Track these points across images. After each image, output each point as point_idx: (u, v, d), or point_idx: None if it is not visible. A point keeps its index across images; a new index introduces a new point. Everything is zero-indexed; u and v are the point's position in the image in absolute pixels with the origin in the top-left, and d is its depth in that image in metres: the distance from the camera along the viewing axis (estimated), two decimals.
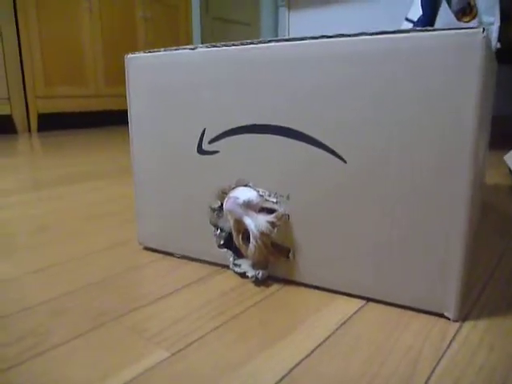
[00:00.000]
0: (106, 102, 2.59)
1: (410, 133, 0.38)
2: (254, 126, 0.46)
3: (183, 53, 0.49)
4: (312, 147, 0.43)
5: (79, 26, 2.44)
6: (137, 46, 2.74)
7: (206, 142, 0.49)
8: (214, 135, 0.48)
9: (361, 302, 0.43)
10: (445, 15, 1.26)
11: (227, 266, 0.51)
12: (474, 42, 0.35)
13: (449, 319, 0.40)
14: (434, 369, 0.33)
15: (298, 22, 1.99)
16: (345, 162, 0.42)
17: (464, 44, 0.35)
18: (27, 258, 0.56)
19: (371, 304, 0.43)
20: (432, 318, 0.40)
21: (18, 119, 2.28)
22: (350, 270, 0.44)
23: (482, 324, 0.39)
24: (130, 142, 0.56)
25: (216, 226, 0.51)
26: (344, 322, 0.39)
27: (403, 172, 0.39)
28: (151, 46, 2.80)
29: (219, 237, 0.51)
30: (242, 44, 0.45)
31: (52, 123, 2.47)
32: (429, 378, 0.32)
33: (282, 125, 0.44)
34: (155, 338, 0.37)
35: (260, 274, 0.47)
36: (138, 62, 0.52)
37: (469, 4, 1.30)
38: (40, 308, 0.43)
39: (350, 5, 1.82)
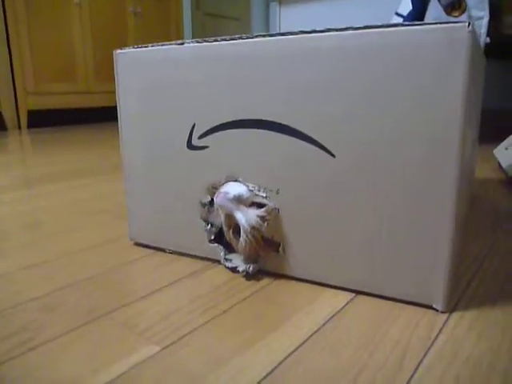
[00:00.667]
0: (96, 99, 2.57)
1: (399, 128, 0.39)
2: (243, 120, 0.46)
3: (171, 48, 0.49)
4: (301, 142, 0.43)
5: (69, 21, 2.42)
6: (127, 41, 2.72)
7: (196, 138, 0.49)
8: (203, 130, 0.49)
9: (350, 295, 0.43)
10: (434, 10, 1.27)
11: (218, 261, 0.51)
12: (459, 36, 0.35)
13: (437, 311, 0.40)
14: (422, 359, 0.33)
15: (289, 17, 1.99)
16: (333, 156, 0.42)
17: (450, 38, 0.35)
18: (19, 255, 0.56)
19: (360, 297, 0.43)
20: (421, 310, 0.41)
21: (8, 116, 2.26)
22: (340, 263, 0.44)
23: (470, 315, 0.40)
24: (119, 138, 0.56)
25: (207, 221, 0.51)
26: (334, 315, 0.40)
27: (392, 167, 0.40)
28: (142, 41, 2.78)
29: (210, 232, 0.51)
30: (231, 39, 0.45)
31: (42, 120, 2.45)
32: (417, 369, 0.32)
33: (272, 119, 0.44)
34: (146, 333, 0.37)
35: (251, 268, 0.47)
36: (127, 58, 0.52)
37: None
38: (32, 304, 0.43)
39: (341, 0, 1.82)
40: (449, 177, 0.38)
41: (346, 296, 0.43)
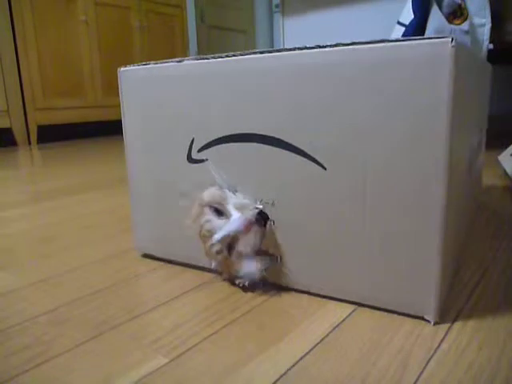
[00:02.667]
0: (104, 113, 2.61)
1: (387, 143, 0.39)
2: (240, 135, 0.47)
3: (170, 65, 0.51)
4: (294, 155, 0.44)
5: (76, 38, 2.46)
6: (134, 55, 2.76)
7: (195, 151, 0.51)
8: (202, 144, 0.50)
9: (352, 307, 0.44)
10: (436, 18, 1.28)
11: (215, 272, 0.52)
12: (442, 52, 0.36)
13: (429, 322, 0.41)
14: (424, 368, 0.34)
15: (293, 27, 2.01)
16: (325, 169, 0.43)
17: (433, 54, 0.36)
18: (29, 270, 0.57)
19: (362, 308, 0.44)
20: (422, 320, 0.41)
21: (18, 132, 2.30)
22: (335, 275, 0.45)
23: (472, 324, 0.40)
24: (125, 153, 0.57)
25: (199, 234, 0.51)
26: (336, 326, 0.41)
27: (381, 181, 0.40)
28: (148, 55, 2.82)
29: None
30: (228, 56, 0.46)
31: (51, 135, 2.48)
32: (418, 378, 0.33)
33: (267, 134, 0.45)
34: (154, 345, 0.38)
35: (246, 282, 0.48)
36: (130, 75, 0.54)
37: (459, 6, 1.32)
38: (43, 318, 0.44)
39: (343, 10, 1.84)
40: (438, 192, 0.38)
41: (348, 307, 0.44)
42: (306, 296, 0.47)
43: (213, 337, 0.40)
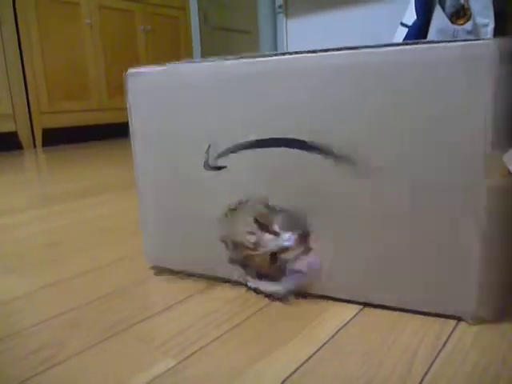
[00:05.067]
0: (109, 115, 2.62)
1: (424, 144, 0.39)
2: (264, 140, 0.45)
3: (187, 67, 0.48)
4: (331, 160, 0.43)
5: (81, 41, 2.48)
6: (138, 58, 2.77)
7: (213, 158, 0.49)
8: (220, 150, 0.48)
9: (358, 307, 0.45)
10: (439, 19, 1.28)
11: (238, 282, 0.51)
12: (484, 53, 0.36)
13: (466, 322, 0.41)
14: (429, 368, 0.35)
15: (296, 28, 2.01)
16: (360, 172, 0.42)
17: (475, 56, 0.36)
18: (37, 274, 0.58)
19: (368, 309, 0.44)
20: (427, 320, 0.42)
21: (23, 135, 2.31)
22: (379, 282, 0.44)
23: (476, 325, 0.41)
24: (133, 159, 0.56)
25: (225, 242, 0.50)
26: (343, 326, 0.41)
27: (424, 184, 0.40)
28: (152, 57, 2.83)
29: (228, 252, 0.51)
30: (248, 57, 0.45)
31: (57, 138, 2.50)
32: (424, 378, 0.34)
33: (295, 137, 0.44)
34: (162, 347, 0.39)
35: (283, 291, 0.47)
36: (139, 78, 0.52)
37: (462, 7, 1.32)
38: (53, 322, 0.45)
39: (346, 11, 1.84)
40: (478, 192, 0.38)
41: (353, 308, 0.45)
42: (311, 298, 0.47)
43: (220, 339, 0.40)
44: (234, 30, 3.68)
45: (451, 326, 0.41)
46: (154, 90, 0.51)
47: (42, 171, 1.57)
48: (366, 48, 0.40)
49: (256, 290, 0.49)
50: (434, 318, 0.42)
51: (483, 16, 1.32)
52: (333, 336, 0.40)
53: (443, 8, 1.30)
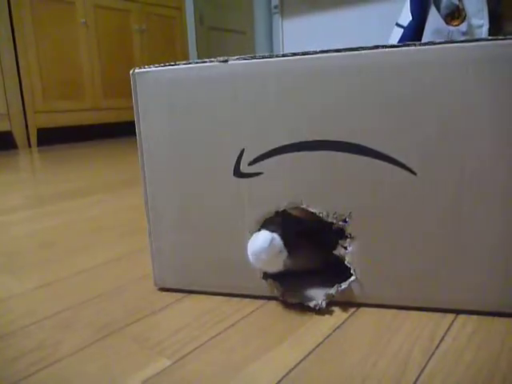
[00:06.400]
0: (104, 115, 2.61)
1: (482, 144, 0.39)
2: (303, 143, 0.42)
3: (212, 66, 0.44)
4: (378, 161, 0.41)
5: (76, 40, 2.47)
6: (133, 58, 2.76)
7: (246, 164, 0.44)
8: (255, 155, 0.44)
9: (352, 308, 0.45)
10: (434, 20, 1.29)
11: (267, 297, 0.48)
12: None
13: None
14: (424, 368, 0.35)
15: (292, 29, 2.02)
16: (415, 174, 0.41)
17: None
18: (32, 274, 0.58)
19: (363, 309, 0.44)
20: (422, 319, 0.42)
21: (18, 135, 2.30)
22: (422, 285, 0.43)
23: (471, 324, 0.41)
24: (140, 167, 0.48)
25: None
26: (337, 327, 0.41)
27: (476, 183, 0.40)
28: (148, 57, 2.83)
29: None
30: (285, 56, 0.42)
31: (51, 137, 2.49)
32: (418, 377, 0.34)
33: (339, 140, 0.41)
34: (157, 347, 0.39)
35: (323, 303, 0.44)
36: (149, 78, 0.46)
37: (457, 8, 1.33)
38: (47, 322, 0.45)
39: (341, 11, 1.84)
40: None
41: (348, 309, 0.45)
42: None
43: (215, 339, 0.40)
44: (230, 31, 3.68)
45: (446, 325, 0.41)
46: (170, 90, 0.45)
47: (36, 171, 1.57)
48: (418, 46, 0.38)
49: (300, 305, 0.45)
50: (428, 318, 0.42)
51: (478, 17, 1.33)
52: (328, 336, 0.40)
53: (438, 9, 1.31)
